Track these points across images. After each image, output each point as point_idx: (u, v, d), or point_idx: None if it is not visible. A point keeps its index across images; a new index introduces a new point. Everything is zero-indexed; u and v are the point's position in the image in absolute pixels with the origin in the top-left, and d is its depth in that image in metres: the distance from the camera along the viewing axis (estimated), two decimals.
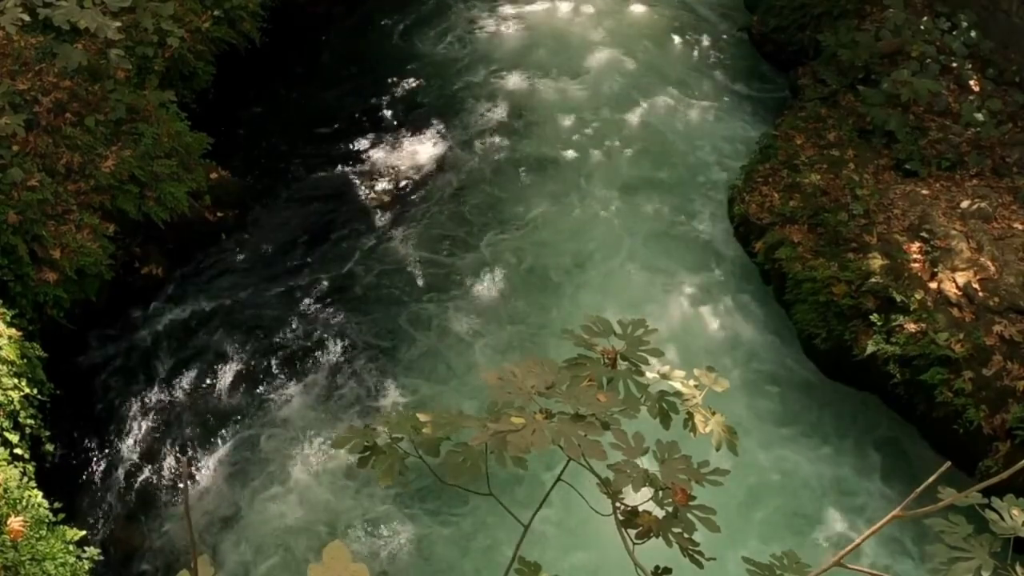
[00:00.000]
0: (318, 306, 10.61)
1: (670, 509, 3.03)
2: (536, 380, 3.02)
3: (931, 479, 2.86)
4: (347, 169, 12.30)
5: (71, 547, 7.23)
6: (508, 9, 14.93)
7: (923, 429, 9.30)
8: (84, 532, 7.56)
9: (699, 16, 14.84)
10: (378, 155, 12.48)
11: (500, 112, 13.12)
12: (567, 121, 12.99)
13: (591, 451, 2.84)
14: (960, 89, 11.60)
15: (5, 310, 8.75)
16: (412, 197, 11.94)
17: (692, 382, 3.43)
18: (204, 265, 10.96)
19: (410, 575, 8.45)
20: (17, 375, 8.32)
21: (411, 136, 12.76)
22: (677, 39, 14.39)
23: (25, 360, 8.51)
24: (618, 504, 3.03)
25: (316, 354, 10.15)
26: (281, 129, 12.79)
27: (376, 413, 9.48)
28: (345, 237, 11.42)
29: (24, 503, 7.27)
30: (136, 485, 9.01)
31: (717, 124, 12.88)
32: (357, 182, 12.12)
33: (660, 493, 3.05)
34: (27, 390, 8.32)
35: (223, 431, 9.47)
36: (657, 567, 3.01)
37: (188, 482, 9.00)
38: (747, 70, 13.79)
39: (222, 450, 9.32)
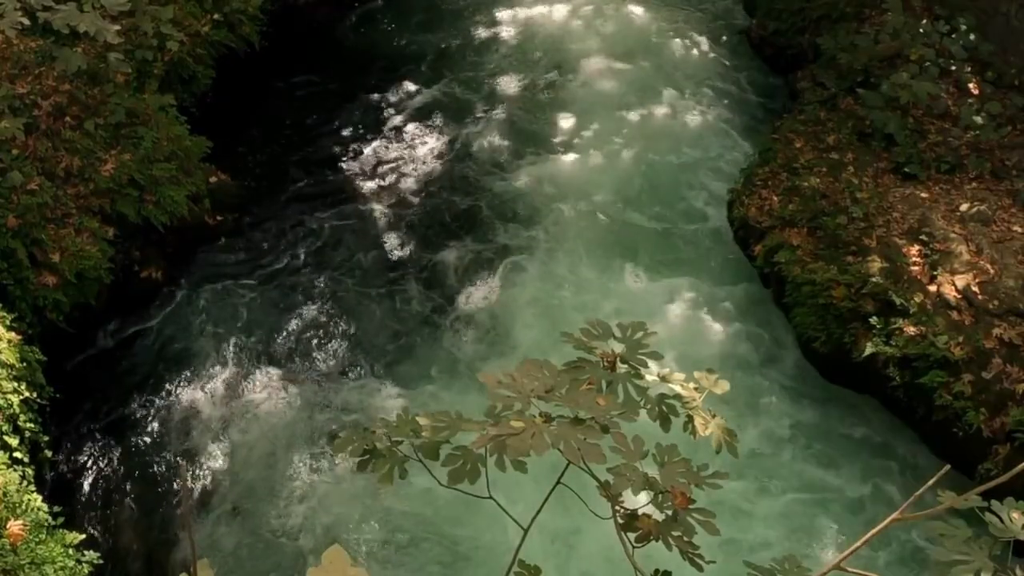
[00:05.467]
0: (318, 309, 10.61)
1: (670, 512, 3.03)
2: (535, 383, 3.02)
3: (930, 482, 2.86)
4: (347, 171, 12.30)
5: (71, 551, 7.22)
6: (507, 13, 14.94)
7: (922, 432, 9.30)
8: (84, 536, 7.55)
9: (698, 19, 14.85)
10: (378, 157, 12.49)
11: (499, 114, 13.13)
12: (565, 123, 13.00)
13: (591, 455, 2.84)
14: (959, 92, 11.59)
15: (5, 314, 8.75)
16: (412, 199, 11.95)
17: (692, 384, 3.43)
18: (203, 268, 10.96)
19: None
20: (17, 379, 8.31)
21: (410, 138, 12.77)
22: (676, 42, 14.40)
23: (25, 364, 8.50)
24: (618, 507, 3.03)
25: (316, 357, 10.15)
26: (280, 132, 12.80)
27: (377, 415, 9.48)
28: (345, 239, 11.43)
29: (24, 507, 7.27)
30: (136, 488, 9.00)
31: (716, 127, 12.88)
32: (357, 184, 12.13)
33: (660, 496, 3.05)
34: (27, 394, 8.32)
35: (223, 434, 9.47)
36: (657, 570, 3.01)
37: (188, 486, 9.00)
38: (746, 73, 13.80)
39: (222, 453, 9.32)
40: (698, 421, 3.31)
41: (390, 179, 12.22)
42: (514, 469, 2.92)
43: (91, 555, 7.35)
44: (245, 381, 9.91)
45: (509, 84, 13.67)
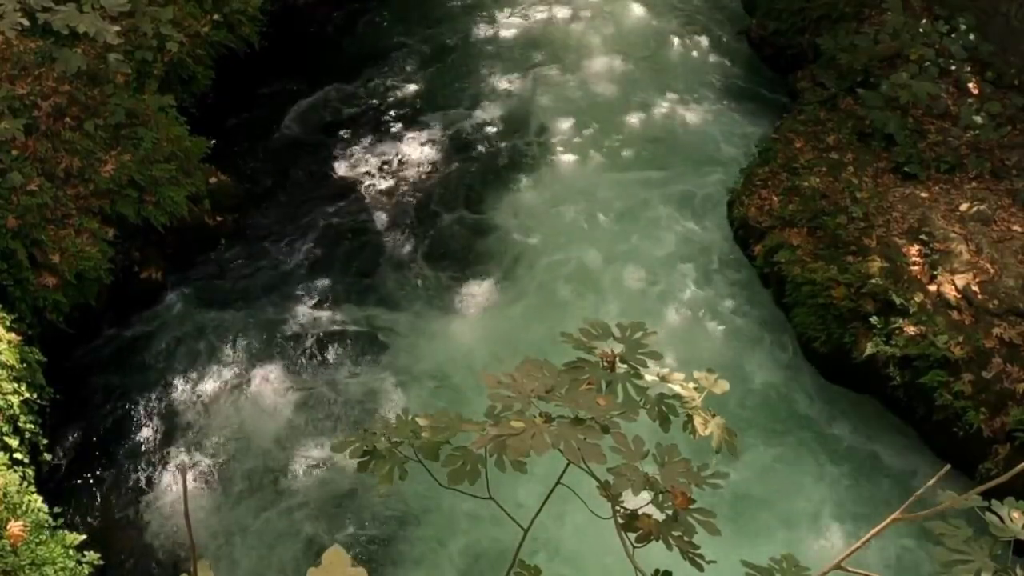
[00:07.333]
0: (317, 309, 10.61)
1: (670, 512, 3.03)
2: (535, 383, 3.02)
3: (931, 482, 2.86)
4: (346, 172, 12.30)
5: (71, 551, 7.23)
6: (507, 14, 14.94)
7: (922, 432, 9.29)
8: (84, 536, 7.55)
9: (698, 20, 14.84)
10: (377, 157, 12.49)
11: (499, 115, 13.13)
12: (565, 124, 12.99)
13: (591, 455, 2.84)
14: (959, 92, 11.59)
15: (5, 314, 8.75)
16: (412, 199, 11.94)
17: (691, 384, 3.43)
18: (203, 269, 10.96)
19: None
20: (17, 379, 8.32)
21: (411, 139, 12.76)
22: (676, 43, 14.40)
23: (25, 364, 8.51)
24: (618, 508, 3.02)
25: (315, 357, 10.14)
26: (280, 133, 12.79)
27: (377, 416, 9.48)
28: (344, 240, 11.43)
29: (24, 507, 7.27)
30: (136, 489, 9.00)
31: (716, 127, 12.87)
32: (356, 185, 12.12)
33: (660, 496, 3.05)
34: (27, 394, 8.32)
35: (222, 435, 9.46)
36: (657, 570, 3.01)
37: (187, 486, 8.99)
38: (746, 73, 13.79)
39: (222, 454, 9.31)
40: (698, 421, 3.31)
41: (390, 179, 12.21)
42: (514, 469, 2.92)
43: (91, 555, 7.36)
44: (245, 381, 9.90)
45: (509, 84, 13.67)
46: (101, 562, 7.51)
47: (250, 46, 12.77)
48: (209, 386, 9.84)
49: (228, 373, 9.96)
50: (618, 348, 3.33)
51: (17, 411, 8.14)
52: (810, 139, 11.43)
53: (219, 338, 10.26)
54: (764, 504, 8.97)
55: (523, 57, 14.15)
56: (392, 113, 13.18)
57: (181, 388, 9.82)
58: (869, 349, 9.39)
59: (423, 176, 12.27)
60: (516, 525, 3.20)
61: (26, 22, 8.09)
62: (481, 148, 12.68)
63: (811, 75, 12.48)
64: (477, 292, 10.89)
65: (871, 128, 11.23)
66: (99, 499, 8.91)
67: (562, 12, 15.03)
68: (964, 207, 10.25)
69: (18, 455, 7.89)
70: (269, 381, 9.91)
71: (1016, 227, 10.05)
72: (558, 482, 3.16)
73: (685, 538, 2.97)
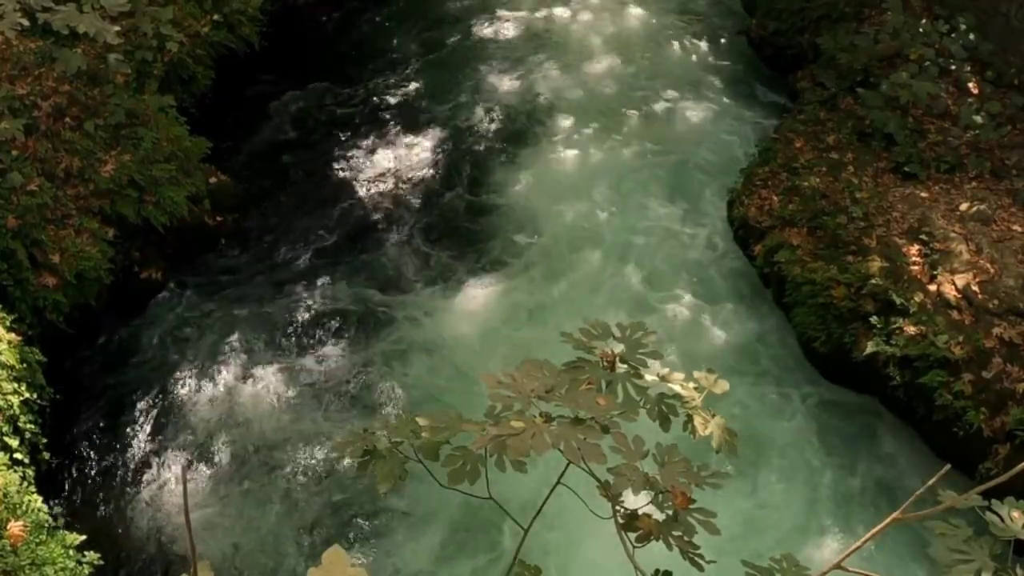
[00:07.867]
0: (317, 309, 10.61)
1: (670, 512, 3.03)
2: (535, 383, 3.02)
3: (931, 481, 2.86)
4: (346, 172, 12.31)
5: (71, 552, 7.22)
6: (508, 14, 14.96)
7: (923, 432, 9.29)
8: (84, 537, 7.55)
9: (698, 19, 14.85)
10: (377, 158, 12.49)
11: (500, 115, 13.13)
12: (566, 123, 13.00)
13: (591, 455, 2.84)
14: (959, 92, 11.59)
15: (4, 314, 8.75)
16: (412, 200, 11.95)
17: (692, 384, 3.43)
18: (203, 269, 10.96)
19: None
20: (17, 379, 8.32)
21: (411, 139, 12.77)
22: (675, 42, 14.41)
23: (25, 364, 8.50)
24: (618, 507, 3.03)
25: (316, 357, 10.14)
26: (280, 132, 12.80)
27: (377, 416, 9.48)
28: (344, 237, 11.43)
29: (24, 507, 7.27)
30: (136, 489, 9.00)
31: (715, 127, 12.88)
32: (356, 185, 12.13)
33: (660, 496, 3.05)
34: (27, 394, 8.32)
35: (222, 435, 9.46)
36: (657, 571, 3.01)
37: (187, 487, 8.99)
38: (746, 73, 13.79)
39: (222, 454, 9.31)
40: (698, 421, 3.32)
41: (390, 179, 12.22)
42: (514, 469, 2.92)
43: (91, 556, 7.36)
44: (245, 381, 9.90)
45: (510, 84, 13.67)
46: (101, 562, 7.50)
47: (250, 46, 12.78)
48: (210, 384, 9.84)
49: (229, 371, 9.96)
50: (618, 348, 3.33)
51: (17, 411, 8.14)
52: (810, 139, 11.43)
53: (219, 337, 10.25)
54: (761, 504, 8.96)
55: (522, 56, 14.15)
56: (392, 112, 13.19)
57: (181, 387, 9.82)
58: (869, 349, 9.39)
59: (423, 170, 12.28)
60: (518, 519, 3.20)
61: (26, 22, 8.09)
62: (480, 143, 12.69)
63: (811, 75, 12.49)
64: (476, 282, 10.89)
65: (871, 128, 11.23)
66: (99, 499, 8.91)
67: (562, 12, 15.04)
68: (964, 207, 10.25)
69: (18, 455, 7.88)
70: (271, 379, 9.91)
71: (1016, 227, 10.05)
72: (558, 482, 3.17)
73: (685, 538, 2.97)
